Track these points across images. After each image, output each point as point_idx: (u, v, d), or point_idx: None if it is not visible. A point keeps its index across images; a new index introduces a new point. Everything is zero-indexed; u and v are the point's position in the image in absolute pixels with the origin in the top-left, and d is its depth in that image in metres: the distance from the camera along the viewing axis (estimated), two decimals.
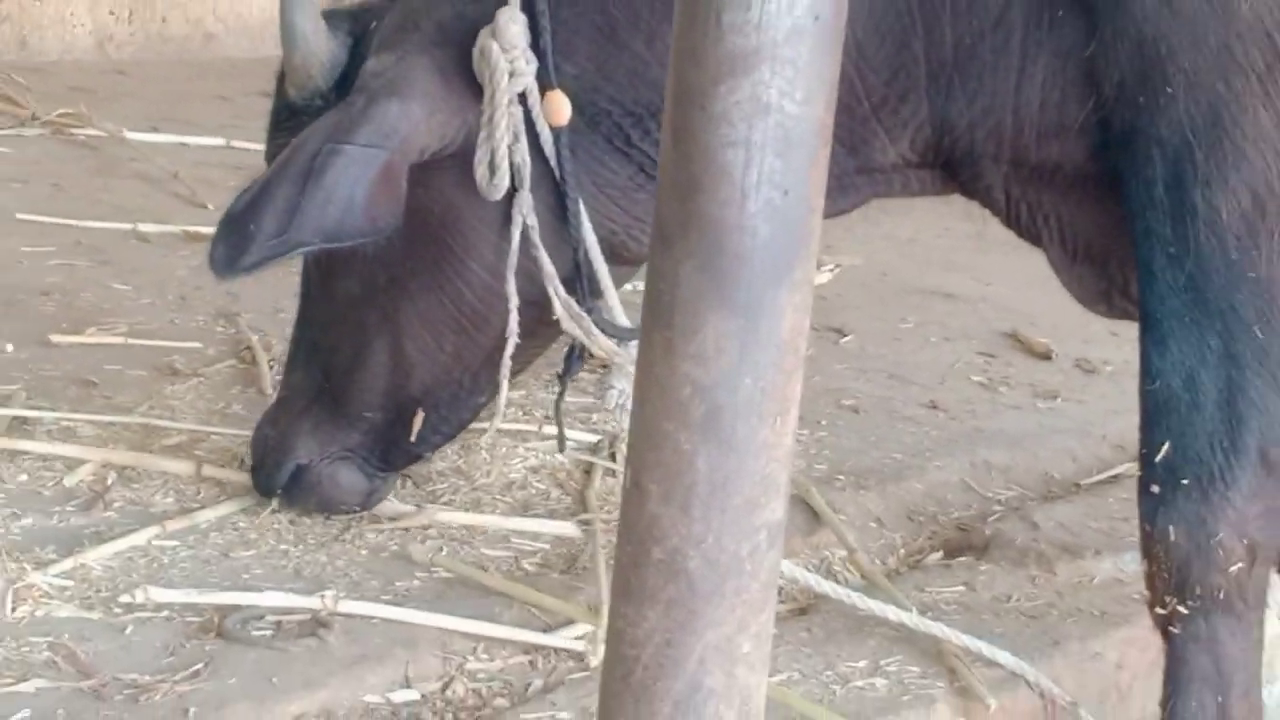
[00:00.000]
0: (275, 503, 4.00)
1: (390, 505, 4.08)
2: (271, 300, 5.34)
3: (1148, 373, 3.31)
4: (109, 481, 4.08)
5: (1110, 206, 3.36)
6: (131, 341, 4.97)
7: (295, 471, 3.91)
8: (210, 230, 5.89)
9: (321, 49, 3.64)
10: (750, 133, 2.20)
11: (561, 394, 3.92)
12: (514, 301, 3.60)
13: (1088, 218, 3.50)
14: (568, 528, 4.12)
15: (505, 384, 3.75)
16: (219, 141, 7.36)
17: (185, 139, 7.37)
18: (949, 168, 3.58)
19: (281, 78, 3.77)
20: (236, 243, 3.50)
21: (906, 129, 3.51)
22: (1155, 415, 3.30)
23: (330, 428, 3.87)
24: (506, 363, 3.69)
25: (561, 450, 4.17)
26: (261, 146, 7.16)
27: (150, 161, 7.03)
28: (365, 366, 3.81)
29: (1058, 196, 3.51)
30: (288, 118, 3.77)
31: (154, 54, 9.48)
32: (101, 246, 5.86)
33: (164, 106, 8.06)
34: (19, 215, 6.07)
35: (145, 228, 6.09)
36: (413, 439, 3.87)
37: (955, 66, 3.40)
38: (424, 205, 3.62)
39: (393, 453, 3.93)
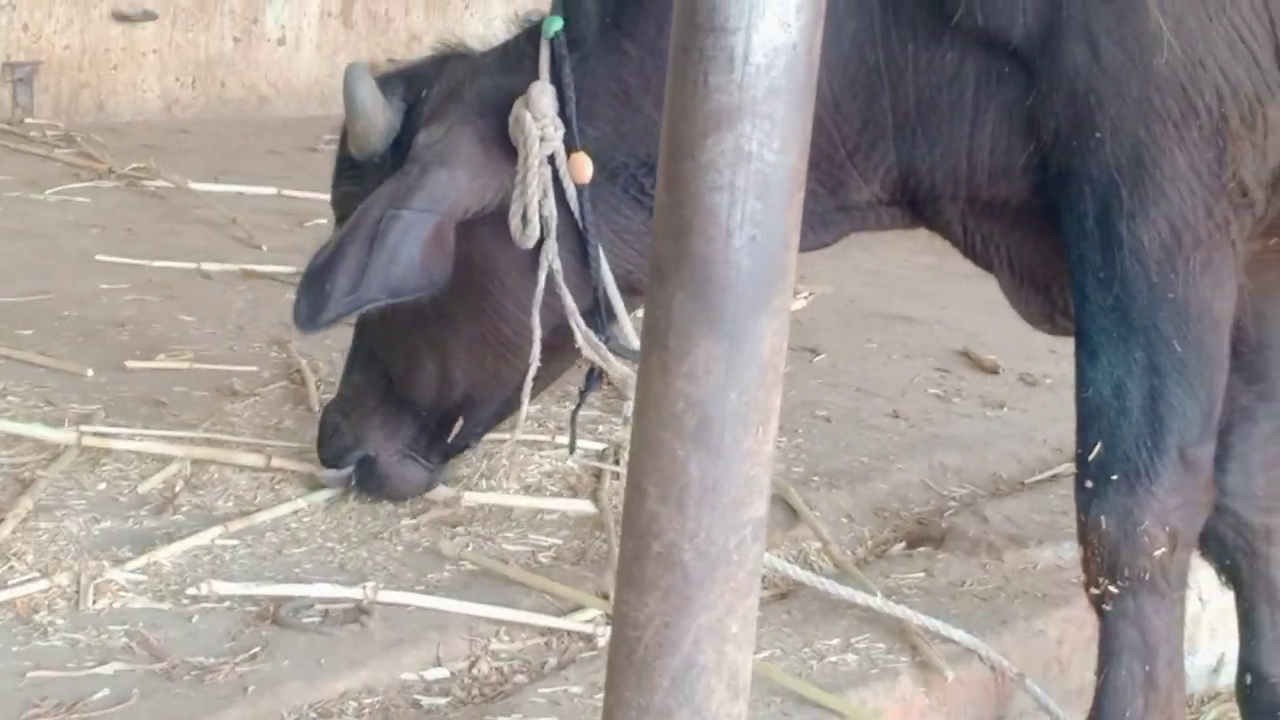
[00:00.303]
0: (325, 503, 4.04)
1: (437, 491, 4.14)
2: None
3: (1082, 383, 3.30)
4: (177, 489, 4.06)
5: (1051, 237, 3.35)
6: (196, 366, 4.96)
7: (362, 461, 3.99)
8: (265, 269, 6.05)
9: (379, 120, 3.70)
10: (734, 179, 2.19)
11: (578, 408, 3.97)
12: (537, 334, 3.65)
13: (1032, 247, 3.49)
14: (583, 504, 4.18)
15: (526, 401, 3.79)
16: (272, 190, 7.35)
17: (242, 189, 7.37)
18: (914, 205, 3.57)
19: (344, 135, 3.82)
20: (316, 300, 3.55)
21: (877, 171, 3.50)
22: (1088, 420, 3.30)
23: (393, 426, 3.97)
24: (528, 383, 3.73)
25: (572, 453, 4.24)
26: (308, 194, 7.24)
27: (211, 209, 7.02)
28: (421, 381, 3.89)
29: (1007, 229, 3.50)
30: (349, 168, 3.86)
31: (214, 115, 9.50)
32: (169, 283, 5.85)
33: (223, 161, 8.06)
34: (98, 257, 6.06)
35: (208, 266, 6.08)
36: (451, 439, 3.98)
37: (918, 117, 3.40)
38: (466, 255, 3.66)
39: (441, 448, 4.02)
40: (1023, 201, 3.39)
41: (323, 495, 4.08)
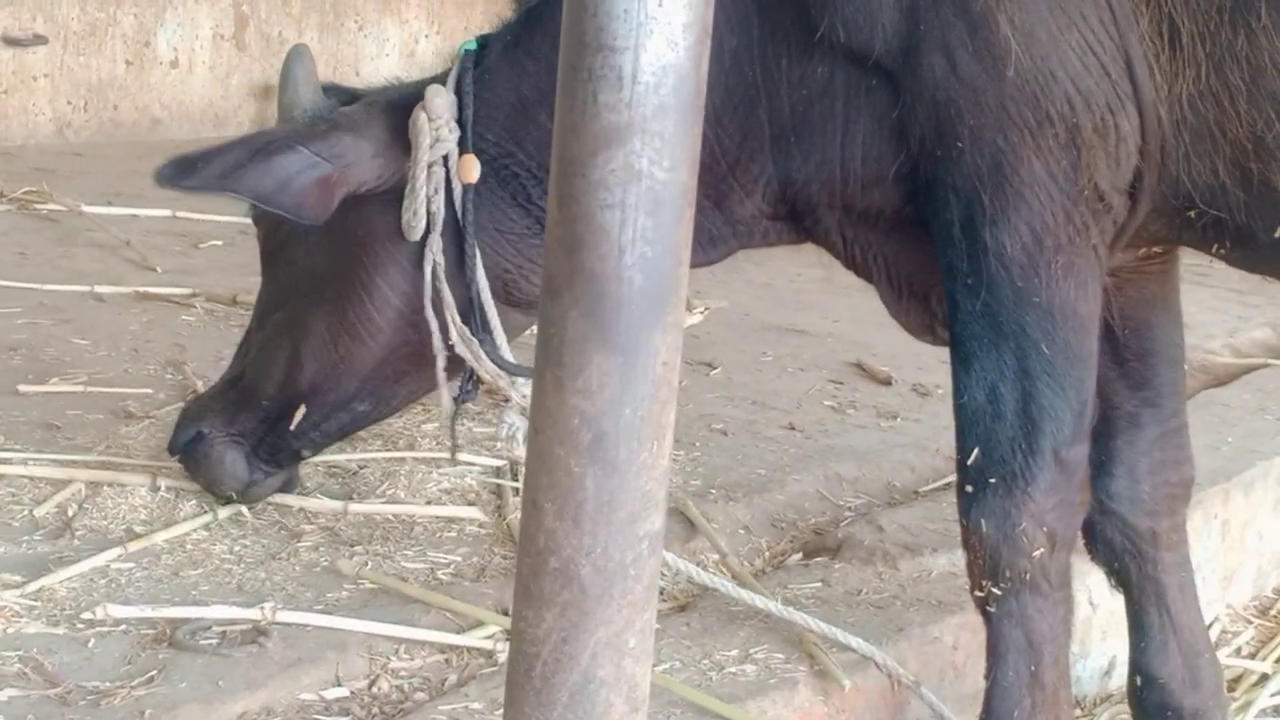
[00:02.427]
0: (222, 523, 4.00)
1: (325, 503, 4.14)
2: (214, 350, 5.29)
3: (957, 389, 3.34)
4: (71, 513, 4.01)
5: (927, 247, 3.38)
6: (90, 389, 4.90)
7: (195, 438, 3.98)
8: (159, 290, 5.98)
9: (306, 96, 3.79)
10: (625, 196, 2.18)
11: (456, 414, 3.95)
12: (434, 324, 3.67)
13: (909, 257, 3.53)
14: (474, 511, 4.17)
15: (445, 391, 3.78)
16: (166, 213, 7.28)
17: (135, 211, 7.30)
18: (794, 217, 3.60)
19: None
20: (184, 168, 3.60)
21: (757, 184, 3.54)
22: (965, 425, 3.33)
23: (234, 408, 3.95)
24: (441, 375, 3.72)
25: (453, 461, 4.27)
26: (202, 216, 7.18)
27: (105, 231, 6.94)
28: (269, 358, 3.89)
29: (883, 239, 3.53)
30: None
31: (107, 138, 9.41)
32: (62, 306, 5.77)
33: (116, 183, 7.97)
34: None
35: (101, 289, 6.02)
36: (291, 428, 3.91)
37: (793, 129, 3.44)
38: (350, 227, 3.73)
39: (277, 446, 3.97)
40: (896, 210, 3.43)
41: (225, 512, 4.04)
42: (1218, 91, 3.10)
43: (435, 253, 3.64)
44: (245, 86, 10.25)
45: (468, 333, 3.65)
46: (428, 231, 3.64)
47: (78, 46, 9.41)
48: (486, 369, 3.64)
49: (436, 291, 3.66)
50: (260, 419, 3.94)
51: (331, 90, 3.88)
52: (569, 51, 2.20)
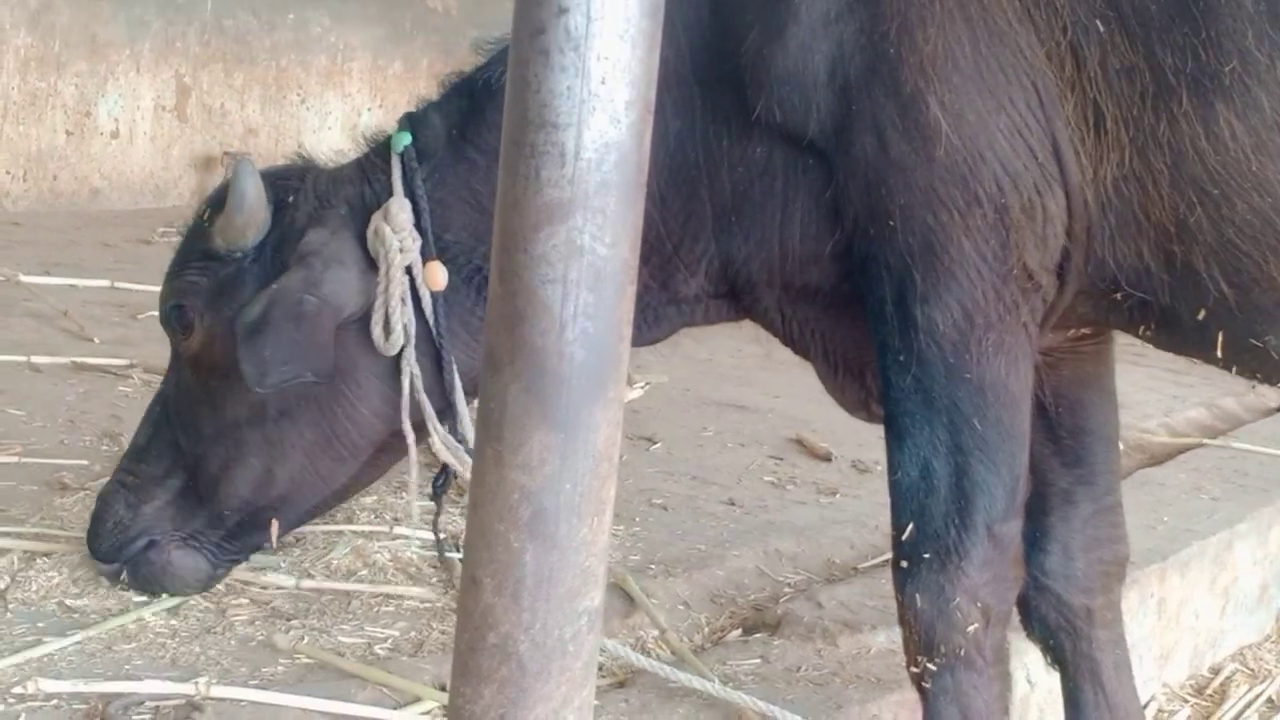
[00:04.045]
0: (154, 605, 3.93)
1: (272, 576, 4.13)
2: None
3: (892, 465, 3.35)
4: (3, 586, 3.96)
5: (863, 325, 3.41)
6: (25, 460, 4.86)
7: (146, 546, 3.90)
8: (96, 361, 5.94)
9: (261, 216, 3.73)
10: (567, 271, 2.19)
11: (439, 512, 4.04)
12: (411, 439, 3.72)
13: (845, 334, 3.56)
14: (426, 592, 4.16)
15: (416, 497, 3.87)
16: (104, 283, 7.26)
17: (74, 281, 7.27)
18: (734, 295, 3.63)
19: (195, 227, 3.84)
20: (259, 365, 3.59)
21: (700, 263, 3.56)
22: (900, 501, 3.34)
23: (183, 517, 3.89)
24: (414, 484, 3.80)
25: (441, 557, 4.29)
26: (141, 286, 7.14)
27: (42, 301, 6.91)
28: (236, 475, 3.82)
29: (820, 315, 3.56)
30: (202, 258, 3.83)
31: (46, 207, 9.38)
32: None
33: (55, 253, 7.94)
34: None
35: (38, 359, 5.98)
36: (271, 542, 3.93)
37: (734, 208, 3.47)
38: None
39: (239, 545, 3.96)
40: (833, 287, 3.46)
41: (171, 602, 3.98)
42: (1141, 175, 3.15)
43: (411, 365, 3.66)
44: (186, 157, 10.25)
45: (453, 441, 3.69)
46: (403, 345, 3.65)
47: (17, 115, 9.38)
48: (469, 469, 3.65)
49: (416, 404, 3.66)
50: (221, 525, 3.90)
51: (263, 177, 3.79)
52: (512, 127, 2.21)
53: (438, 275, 3.62)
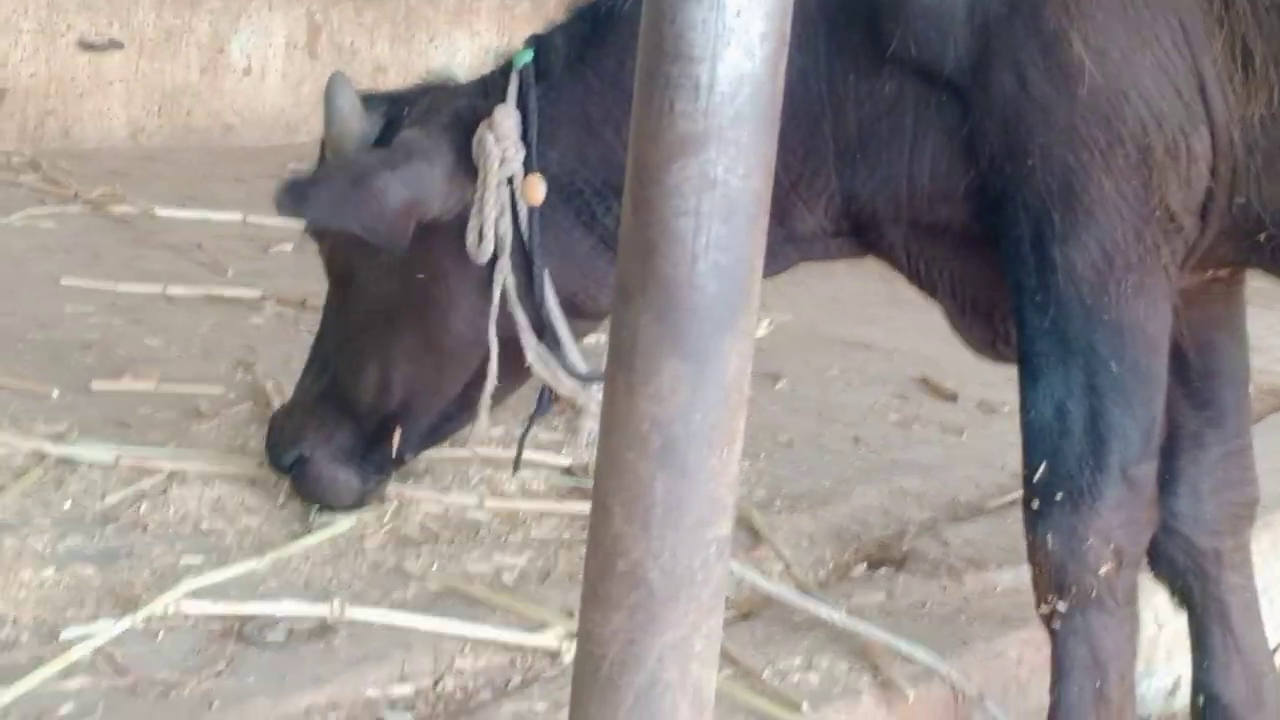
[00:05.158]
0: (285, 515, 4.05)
1: (406, 497, 4.21)
2: (283, 352, 5.34)
3: (1024, 405, 3.34)
4: (143, 507, 4.06)
5: (993, 264, 3.39)
6: (162, 388, 4.96)
7: (298, 461, 4.01)
8: (230, 293, 6.05)
9: (355, 125, 3.79)
10: (699, 204, 2.21)
11: (528, 428, 4.04)
12: (494, 349, 3.72)
13: (974, 273, 3.53)
14: (554, 521, 4.21)
15: (486, 416, 3.84)
16: (236, 217, 7.36)
17: (207, 214, 7.38)
18: (857, 232, 3.62)
19: (323, 146, 3.91)
20: (299, 197, 3.67)
21: (820, 199, 3.55)
22: (1032, 441, 3.33)
23: (331, 429, 3.98)
24: (487, 400, 3.79)
25: (515, 471, 4.30)
26: (273, 221, 7.24)
27: (177, 234, 7.03)
28: (361, 384, 3.92)
29: (949, 255, 3.54)
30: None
31: (180, 143, 9.51)
32: (135, 307, 5.86)
33: (189, 187, 8.06)
34: (64, 280, 6.07)
35: (173, 290, 6.09)
36: (398, 451, 3.99)
37: (858, 145, 3.45)
38: (422, 263, 3.76)
39: (380, 456, 4.02)
40: (963, 226, 3.44)
41: (346, 524, 4.06)
42: None
43: (505, 276, 3.69)
44: (316, 94, 10.29)
45: (544, 351, 3.70)
46: (495, 256, 3.68)
47: (152, 52, 9.51)
48: (565, 388, 3.69)
49: (508, 314, 3.69)
50: (359, 436, 3.98)
51: (371, 103, 3.88)
52: (647, 59, 2.22)
53: (536, 189, 3.64)
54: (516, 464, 4.21)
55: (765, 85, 2.22)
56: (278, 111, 10.18)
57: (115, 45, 9.29)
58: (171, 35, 9.58)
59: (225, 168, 8.78)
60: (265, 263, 6.77)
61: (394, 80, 10.66)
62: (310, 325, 5.66)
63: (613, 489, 2.29)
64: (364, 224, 3.65)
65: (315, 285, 5.92)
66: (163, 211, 7.32)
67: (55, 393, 4.78)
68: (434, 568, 3.90)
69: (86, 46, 9.18)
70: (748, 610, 3.93)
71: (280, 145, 9.76)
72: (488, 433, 3.98)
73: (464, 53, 11.21)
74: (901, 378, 5.96)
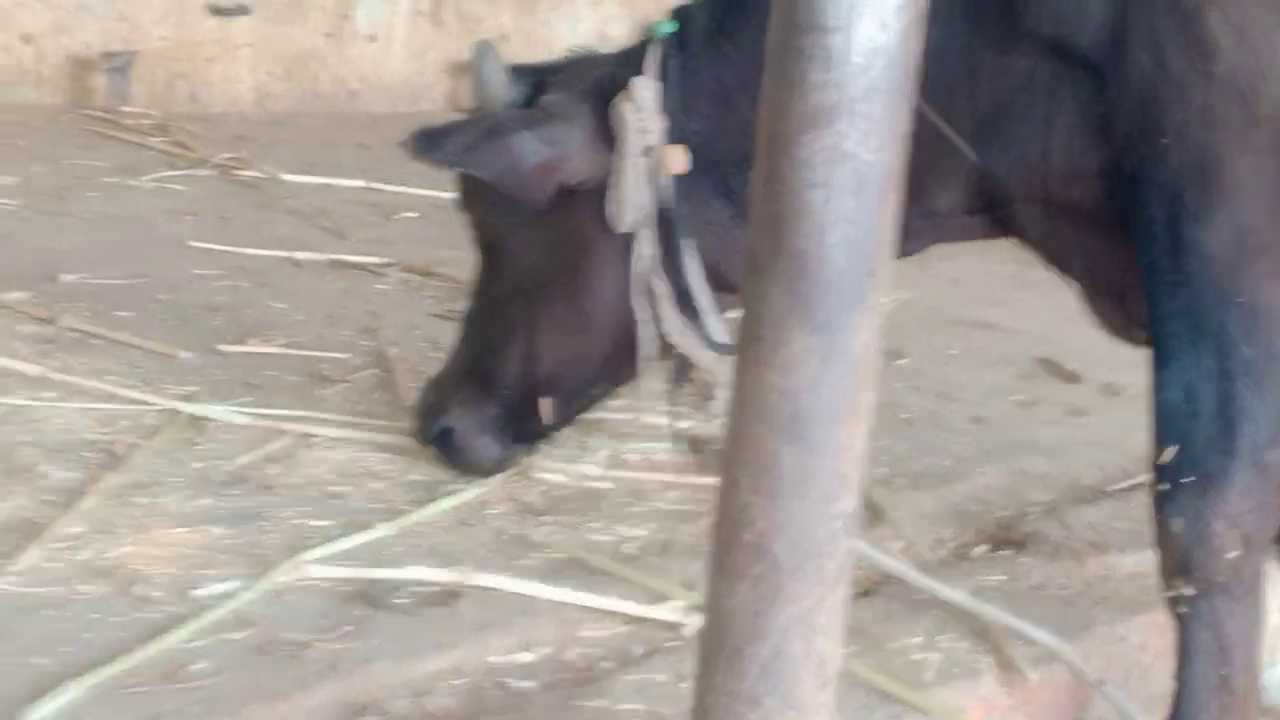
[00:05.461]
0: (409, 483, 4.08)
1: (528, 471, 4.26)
2: (407, 319, 5.42)
3: (1155, 387, 3.32)
4: (271, 470, 4.14)
5: (1127, 246, 3.37)
6: (287, 351, 5.04)
7: (443, 432, 4.09)
8: (354, 259, 6.13)
9: (502, 92, 3.86)
10: (830, 176, 2.22)
11: (672, 400, 4.08)
12: (642, 315, 3.80)
13: (1108, 255, 3.51)
14: (676, 494, 4.23)
15: (652, 378, 3.93)
16: (360, 184, 7.45)
17: (331, 181, 7.47)
18: (991, 211, 3.61)
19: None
20: (430, 142, 3.77)
21: (954, 177, 3.55)
22: (1161, 423, 3.31)
23: (476, 397, 4.06)
24: (645, 367, 3.87)
25: (674, 445, 4.33)
26: (396, 188, 7.35)
27: (302, 199, 7.12)
28: (507, 355, 4.00)
29: (1083, 233, 3.52)
30: None
31: (305, 107, 9.62)
32: (261, 271, 5.94)
33: (313, 153, 8.16)
34: (192, 243, 6.17)
35: (298, 255, 6.18)
36: (545, 422, 4.07)
37: (992, 122, 3.44)
38: (564, 233, 3.84)
39: (522, 428, 4.11)
40: (1097, 206, 3.42)
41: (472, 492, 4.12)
42: None
43: (645, 245, 3.72)
44: (440, 63, 10.41)
45: (683, 324, 3.74)
46: (637, 226, 3.72)
47: (279, 18, 9.62)
48: (703, 359, 3.72)
49: (649, 284, 3.73)
50: (504, 406, 4.05)
51: (518, 73, 3.95)
52: (780, 30, 2.23)
53: (678, 159, 3.69)
54: (674, 439, 4.27)
55: (899, 58, 2.22)
56: (402, 79, 10.26)
57: (243, 10, 9.41)
58: (298, 1, 9.69)
59: (349, 134, 8.87)
60: (388, 230, 6.85)
61: (516, 49, 10.72)
62: (434, 293, 5.75)
63: (740, 460, 2.32)
64: (496, 172, 3.73)
65: (438, 253, 6.01)
66: (288, 177, 7.42)
67: (183, 354, 4.88)
68: (556, 538, 3.94)
69: (215, 11, 9.31)
70: (867, 588, 3.94)
71: (404, 113, 9.83)
72: (654, 395, 4.03)
73: (587, 22, 11.24)
74: (1024, 359, 5.92)
